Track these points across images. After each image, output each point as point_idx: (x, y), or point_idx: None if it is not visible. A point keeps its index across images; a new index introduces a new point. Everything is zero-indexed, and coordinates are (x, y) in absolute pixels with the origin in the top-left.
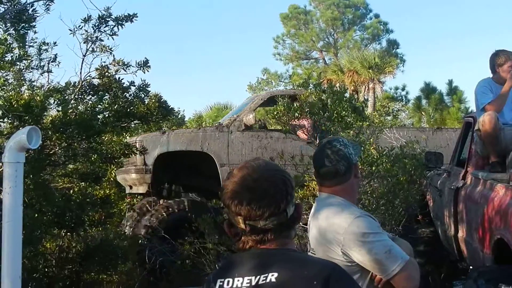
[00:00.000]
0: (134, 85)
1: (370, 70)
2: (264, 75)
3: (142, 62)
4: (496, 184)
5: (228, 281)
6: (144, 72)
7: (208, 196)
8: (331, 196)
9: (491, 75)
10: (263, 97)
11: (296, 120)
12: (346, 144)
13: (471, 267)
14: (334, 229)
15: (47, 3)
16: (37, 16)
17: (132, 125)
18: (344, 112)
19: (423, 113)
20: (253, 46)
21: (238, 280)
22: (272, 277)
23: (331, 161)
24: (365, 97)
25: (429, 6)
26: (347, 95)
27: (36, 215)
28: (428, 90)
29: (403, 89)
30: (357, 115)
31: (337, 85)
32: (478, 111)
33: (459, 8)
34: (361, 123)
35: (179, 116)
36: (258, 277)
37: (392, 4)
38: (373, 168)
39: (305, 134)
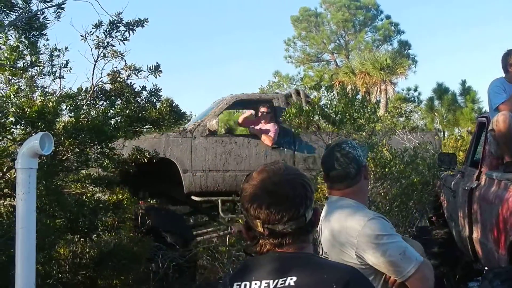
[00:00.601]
0: (146, 90)
1: (382, 72)
2: (275, 78)
3: (153, 67)
4: (511, 184)
5: (246, 284)
6: (156, 77)
7: (172, 202)
8: (342, 199)
9: (503, 75)
10: (228, 102)
11: (261, 123)
12: (355, 146)
13: (486, 268)
14: (347, 231)
15: (57, 10)
16: (48, 23)
17: (144, 129)
18: (356, 114)
19: (435, 114)
20: (265, 48)
21: (256, 284)
22: (291, 281)
23: (341, 164)
24: (377, 99)
25: (441, 5)
26: (359, 97)
27: (49, 220)
28: (441, 91)
29: (415, 90)
30: (369, 117)
31: (349, 87)
32: (491, 111)
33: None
34: (373, 125)
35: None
36: (277, 280)
37: (403, 4)
38: (386, 169)
39: (270, 139)
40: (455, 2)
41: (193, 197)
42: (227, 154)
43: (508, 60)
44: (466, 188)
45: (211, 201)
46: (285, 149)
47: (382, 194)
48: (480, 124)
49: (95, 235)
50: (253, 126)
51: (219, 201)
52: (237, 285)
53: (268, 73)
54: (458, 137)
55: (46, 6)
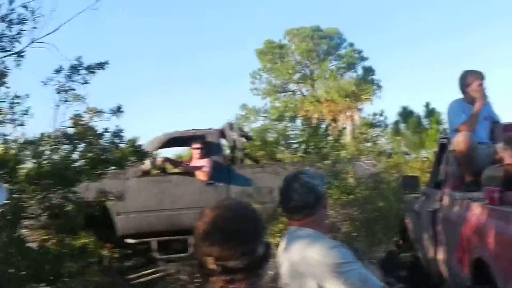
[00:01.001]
0: (109, 131)
1: (347, 99)
2: (242, 111)
3: (116, 108)
4: (472, 204)
5: None
6: (118, 118)
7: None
8: (301, 229)
9: (462, 96)
10: (161, 140)
11: (195, 160)
12: (313, 176)
13: None
14: (307, 261)
15: (17, 58)
16: (8, 72)
17: (108, 171)
18: (320, 144)
19: (401, 137)
20: (231, 82)
21: None
22: None
23: (299, 194)
24: (344, 126)
25: (402, 30)
26: (323, 126)
27: (13, 271)
28: (406, 114)
29: (381, 115)
30: (333, 145)
31: (315, 115)
32: (451, 132)
33: (427, 32)
34: (337, 153)
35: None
36: None
37: (366, 30)
38: (351, 196)
39: (205, 175)
40: (417, 22)
41: (128, 240)
42: (161, 194)
43: (465, 81)
44: (430, 209)
45: (147, 243)
46: (220, 184)
47: (349, 220)
48: (442, 146)
49: (61, 282)
50: (187, 163)
51: (155, 242)
52: None
53: (235, 106)
54: (424, 159)
55: (5, 55)
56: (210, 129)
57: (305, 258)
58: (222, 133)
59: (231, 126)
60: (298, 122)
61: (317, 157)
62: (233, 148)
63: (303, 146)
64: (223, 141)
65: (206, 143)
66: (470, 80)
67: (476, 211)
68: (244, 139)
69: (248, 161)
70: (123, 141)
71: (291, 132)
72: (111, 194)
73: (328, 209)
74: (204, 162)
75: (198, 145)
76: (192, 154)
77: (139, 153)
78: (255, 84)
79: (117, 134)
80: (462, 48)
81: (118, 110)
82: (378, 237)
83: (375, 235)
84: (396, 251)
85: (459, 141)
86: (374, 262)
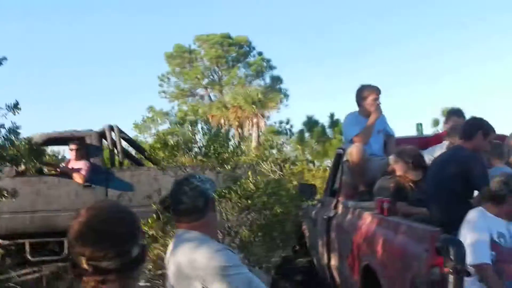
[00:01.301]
0: (4, 128)
1: (254, 106)
2: (149, 113)
3: (12, 104)
4: (364, 213)
5: None
6: (15, 114)
7: None
8: (189, 232)
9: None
10: (36, 140)
11: (72, 161)
12: (203, 180)
13: None
14: (194, 264)
15: None
16: None
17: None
18: (220, 149)
19: (305, 146)
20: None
21: None
22: None
23: (189, 197)
24: (250, 132)
25: (312, 43)
26: (223, 131)
27: None
28: (311, 123)
29: (287, 123)
30: (233, 150)
31: (222, 121)
32: (346, 143)
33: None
34: (238, 158)
35: (60, 158)
36: None
37: (275, 40)
38: (250, 201)
39: (82, 177)
40: (327, 37)
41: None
42: (36, 195)
43: (361, 95)
44: (325, 217)
45: (20, 244)
46: (98, 187)
47: (247, 225)
48: (338, 155)
49: None
50: (63, 165)
51: (27, 243)
52: None
53: (142, 108)
54: (327, 168)
55: None
56: (90, 130)
57: (191, 261)
58: (102, 135)
59: (111, 128)
60: (200, 126)
61: (217, 161)
62: (113, 150)
63: (204, 150)
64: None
65: (84, 144)
66: (366, 94)
67: (367, 220)
68: (124, 142)
69: (127, 164)
70: (18, 139)
71: (192, 136)
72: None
73: (228, 213)
74: (82, 164)
75: (74, 147)
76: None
77: (35, 151)
78: (163, 87)
79: (13, 131)
80: (365, 63)
81: (15, 107)
82: (276, 243)
83: (273, 240)
84: (293, 257)
85: (352, 152)
86: (270, 267)
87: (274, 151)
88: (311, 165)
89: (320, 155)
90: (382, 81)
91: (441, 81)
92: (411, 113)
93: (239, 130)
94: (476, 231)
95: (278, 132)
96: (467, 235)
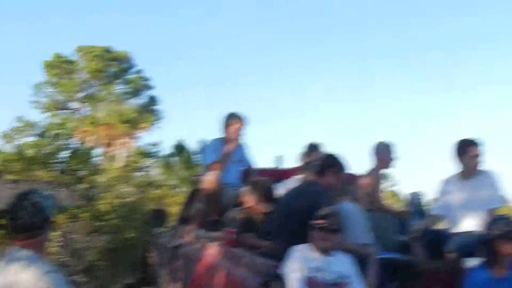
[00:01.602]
0: None
1: (125, 125)
2: (18, 123)
3: None
4: (210, 243)
5: None
6: None
7: None
8: (22, 250)
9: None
10: None
11: None
12: (46, 197)
13: None
14: (23, 284)
15: None
16: None
17: None
18: (78, 166)
19: (172, 170)
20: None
21: None
22: None
23: (28, 213)
24: (119, 152)
25: (191, 68)
26: (85, 148)
27: None
28: (179, 148)
29: (155, 145)
30: (93, 169)
31: (92, 137)
32: (204, 169)
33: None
34: (96, 177)
35: None
36: None
37: (157, 61)
38: (101, 223)
39: None
40: (210, 61)
41: None
42: None
43: (226, 123)
44: (172, 245)
45: None
46: None
47: (96, 248)
48: (194, 183)
49: None
50: None
51: None
52: None
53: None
54: None
55: None
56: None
57: (20, 281)
58: None
59: None
60: (62, 141)
61: (72, 179)
62: None
63: (63, 166)
64: None
65: None
66: (229, 122)
67: (213, 250)
68: None
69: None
70: None
71: (54, 150)
72: None
73: (77, 234)
74: None
75: None
76: None
77: None
78: (37, 96)
79: None
80: (248, 90)
81: None
82: (122, 269)
83: (118, 266)
84: (135, 284)
85: (207, 180)
86: None
87: (140, 173)
88: (175, 190)
89: (186, 180)
90: (265, 111)
91: (311, 114)
92: (284, 145)
93: (108, 149)
94: (291, 266)
95: (147, 154)
96: (287, 271)
